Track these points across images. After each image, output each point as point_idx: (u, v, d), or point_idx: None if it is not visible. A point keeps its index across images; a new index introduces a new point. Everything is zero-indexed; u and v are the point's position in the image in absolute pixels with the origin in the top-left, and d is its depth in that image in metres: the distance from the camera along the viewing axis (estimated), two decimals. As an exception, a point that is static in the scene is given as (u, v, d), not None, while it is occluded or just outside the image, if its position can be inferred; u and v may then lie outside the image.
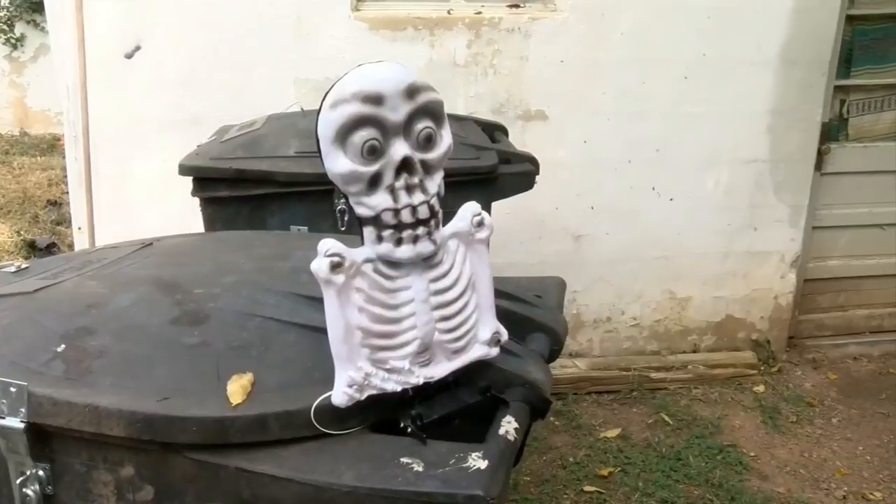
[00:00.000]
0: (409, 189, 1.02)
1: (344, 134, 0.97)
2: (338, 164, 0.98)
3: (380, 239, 1.02)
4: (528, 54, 3.22)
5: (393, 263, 1.04)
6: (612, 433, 3.15)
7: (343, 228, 2.10)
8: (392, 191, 1.01)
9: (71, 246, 4.35)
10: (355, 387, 1.02)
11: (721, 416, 3.31)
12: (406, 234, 1.03)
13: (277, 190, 2.09)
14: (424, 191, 1.03)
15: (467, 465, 0.99)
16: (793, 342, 3.92)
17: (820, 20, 3.39)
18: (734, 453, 3.03)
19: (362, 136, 0.98)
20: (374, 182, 1.00)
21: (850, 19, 3.55)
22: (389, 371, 1.06)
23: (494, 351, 1.16)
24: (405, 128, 1.01)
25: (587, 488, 2.78)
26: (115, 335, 1.15)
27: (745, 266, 3.69)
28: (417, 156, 1.02)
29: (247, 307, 1.22)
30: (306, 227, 2.07)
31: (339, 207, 2.09)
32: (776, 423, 3.25)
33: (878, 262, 3.98)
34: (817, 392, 3.55)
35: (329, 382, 1.05)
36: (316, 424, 1.03)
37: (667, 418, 3.26)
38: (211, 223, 2.13)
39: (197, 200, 2.20)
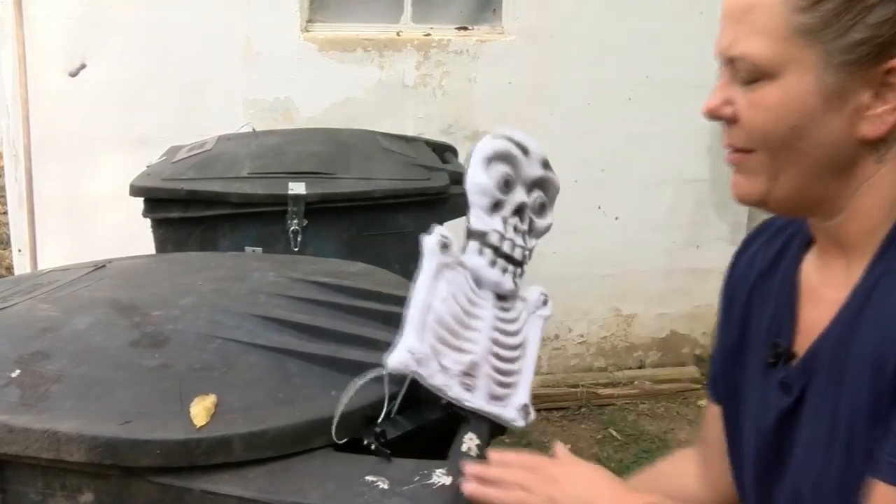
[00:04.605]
0: (516, 230, 1.14)
1: (492, 159, 1.10)
2: (480, 177, 1.09)
3: (480, 252, 1.11)
4: (476, 76, 3.28)
5: (478, 282, 1.11)
6: (562, 449, 3.18)
7: (296, 249, 2.10)
8: (505, 221, 1.13)
9: (9, 268, 4.24)
10: (415, 356, 1.00)
11: (667, 430, 3.38)
12: (500, 261, 1.12)
13: (230, 211, 2.07)
14: (524, 240, 1.15)
15: (432, 481, 1.00)
16: (734, 357, 4.03)
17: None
18: (681, 466, 3.09)
19: (504, 167, 1.11)
20: (496, 206, 1.11)
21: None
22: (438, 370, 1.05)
23: (521, 422, 1.16)
24: (529, 188, 1.15)
25: (539, 504, 2.81)
26: (72, 359, 1.13)
27: (688, 283, 3.78)
28: (529, 213, 1.15)
29: (206, 329, 1.22)
30: (260, 249, 2.07)
31: (291, 228, 2.09)
32: (720, 436, 3.33)
33: (813, 277, 4.12)
34: (758, 405, 3.65)
35: (292, 403, 1.05)
36: (281, 445, 1.03)
37: (615, 434, 3.32)
38: (163, 244, 2.10)
39: (145, 221, 2.17)
